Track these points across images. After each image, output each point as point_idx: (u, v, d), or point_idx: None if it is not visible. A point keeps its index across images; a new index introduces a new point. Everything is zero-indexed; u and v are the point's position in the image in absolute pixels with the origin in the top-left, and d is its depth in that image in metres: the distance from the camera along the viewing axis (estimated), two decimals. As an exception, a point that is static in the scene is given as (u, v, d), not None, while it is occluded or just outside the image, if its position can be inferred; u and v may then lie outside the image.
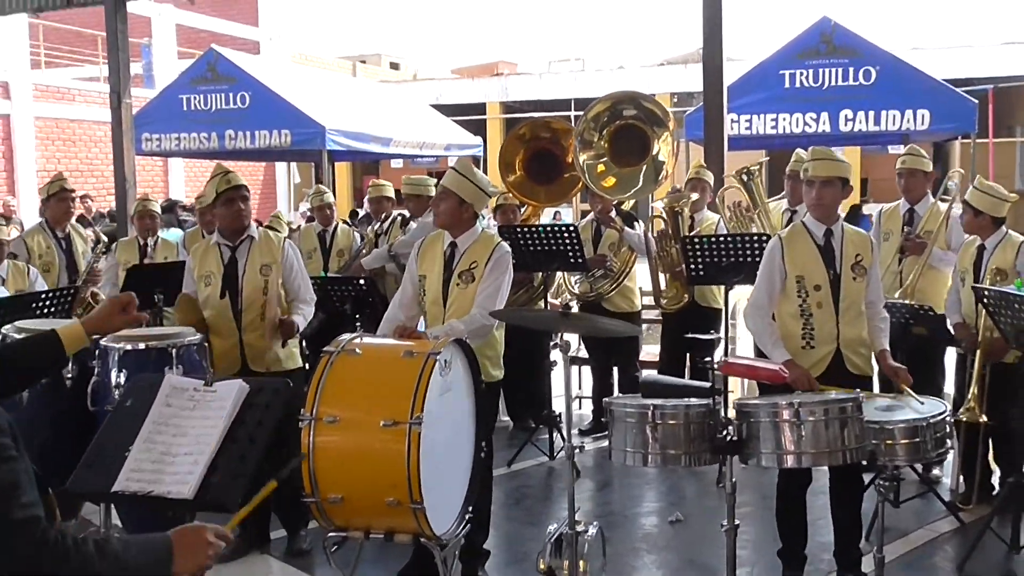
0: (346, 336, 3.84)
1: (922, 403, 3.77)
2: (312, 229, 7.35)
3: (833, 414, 3.21)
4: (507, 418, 7.22)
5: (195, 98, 12.16)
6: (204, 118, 12.10)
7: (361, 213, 11.78)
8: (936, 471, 5.66)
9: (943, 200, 5.68)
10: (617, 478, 6.06)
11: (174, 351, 4.01)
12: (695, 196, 6.28)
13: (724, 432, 3.27)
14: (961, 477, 5.33)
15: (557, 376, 7.04)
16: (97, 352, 4.13)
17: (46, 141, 18.16)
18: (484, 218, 13.16)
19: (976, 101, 10.33)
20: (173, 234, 8.50)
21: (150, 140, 12.48)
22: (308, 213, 14.69)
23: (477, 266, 4.17)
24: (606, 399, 3.68)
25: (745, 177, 6.21)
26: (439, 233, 4.34)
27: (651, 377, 3.80)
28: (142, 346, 4.10)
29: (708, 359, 3.49)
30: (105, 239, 6.81)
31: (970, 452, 5.06)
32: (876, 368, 4.28)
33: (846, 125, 10.36)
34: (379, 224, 7.14)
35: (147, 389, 2.67)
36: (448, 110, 19.15)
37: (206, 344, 4.29)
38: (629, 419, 3.35)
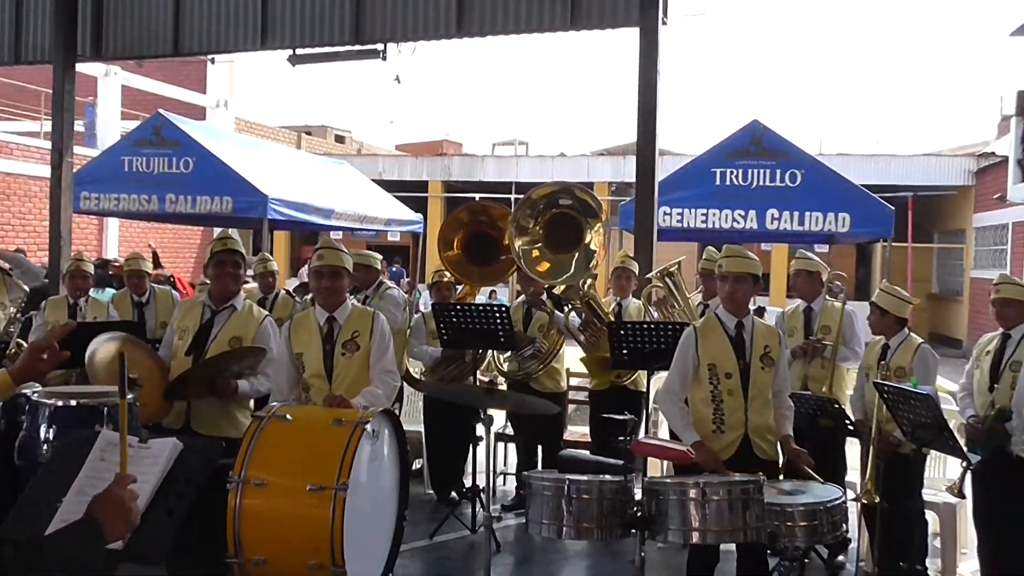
0: (276, 403, 3.99)
1: (823, 484, 4.01)
2: (253, 295, 7.43)
3: (736, 495, 3.43)
4: (431, 491, 7.30)
5: (138, 160, 12.20)
6: (146, 180, 12.12)
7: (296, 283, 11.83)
8: (841, 557, 5.89)
9: (832, 299, 6.08)
10: (537, 553, 6.17)
11: (105, 409, 4.06)
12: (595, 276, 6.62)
13: (635, 508, 3.45)
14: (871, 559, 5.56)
15: (482, 452, 7.17)
16: (27, 407, 4.17)
17: (-20, 194, 17.95)
18: (419, 294, 13.30)
19: (893, 208, 10.92)
20: (105, 294, 8.49)
21: (88, 199, 12.42)
22: (244, 279, 14.73)
23: (360, 335, 4.45)
24: (526, 472, 3.85)
25: (668, 278, 6.55)
26: (305, 313, 4.65)
27: (569, 453, 3.99)
28: (73, 403, 4.15)
29: (621, 438, 3.70)
30: (24, 294, 6.82)
31: (872, 534, 5.31)
32: (782, 455, 4.53)
33: (772, 223, 10.83)
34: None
35: (80, 444, 2.76)
36: (390, 186, 19.45)
37: (137, 404, 4.34)
38: (546, 492, 3.52)
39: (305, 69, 10.14)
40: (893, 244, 12.48)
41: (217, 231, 23.07)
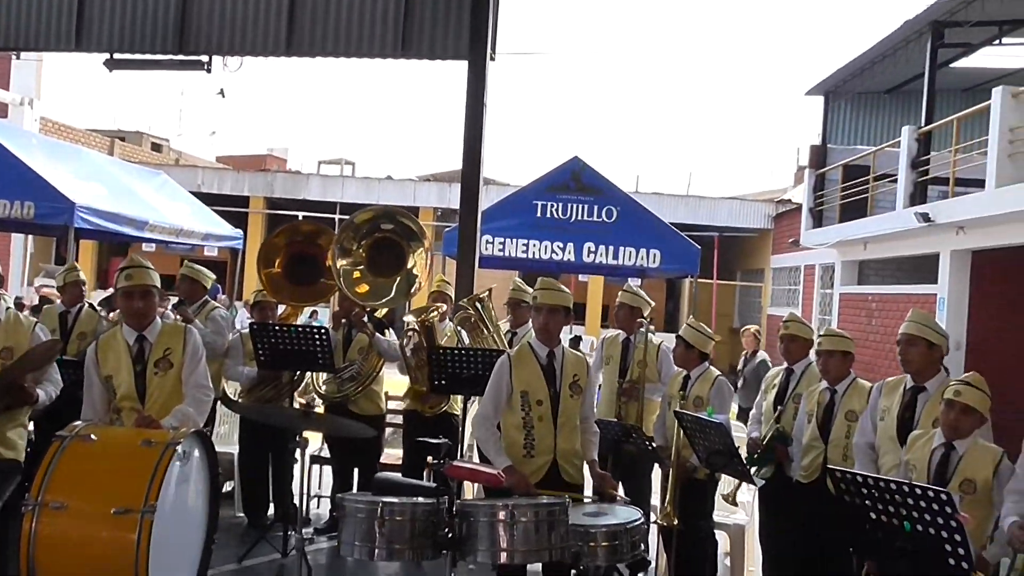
0: (80, 422, 3.85)
1: (626, 509, 4.26)
2: (55, 309, 7.04)
3: (543, 516, 3.60)
4: (241, 514, 7.14)
5: (-74, 157, 11.28)
6: (-64, 179, 11.23)
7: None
8: (640, 575, 6.20)
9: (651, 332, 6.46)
10: (348, 578, 6.16)
11: None
12: (443, 307, 6.72)
13: (446, 530, 3.56)
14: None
15: (297, 474, 7.11)
16: None
17: None
18: (235, 311, 12.95)
19: (700, 247, 11.63)
20: None
21: None
22: (44, 289, 13.76)
23: (172, 352, 4.40)
24: (339, 495, 3.88)
25: (478, 304, 6.76)
26: (111, 332, 4.56)
27: (384, 476, 4.04)
28: None
29: (436, 461, 3.80)
30: None
31: (669, 554, 5.64)
32: (587, 477, 4.77)
33: (588, 256, 11.32)
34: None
35: None
36: (210, 199, 18.85)
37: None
38: (359, 514, 3.57)
39: (123, 73, 9.75)
40: (700, 280, 13.28)
41: (16, 237, 21.67)
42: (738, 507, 5.64)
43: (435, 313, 6.49)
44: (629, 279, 16.96)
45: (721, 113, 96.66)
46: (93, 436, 3.66)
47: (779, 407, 5.51)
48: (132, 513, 3.39)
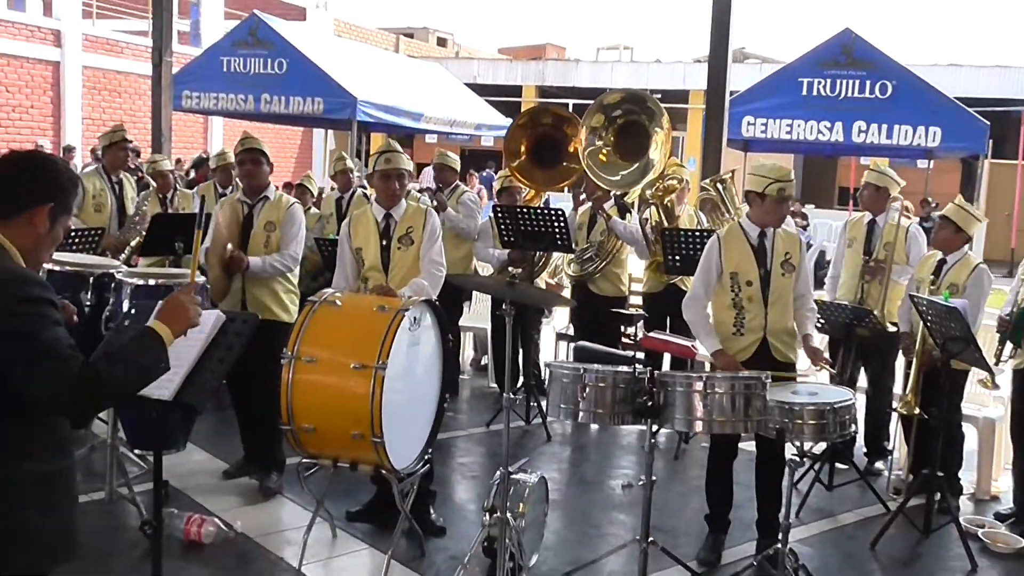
0: (329, 290, 4.39)
1: (837, 390, 4.21)
2: (332, 196, 7.87)
3: (739, 389, 3.66)
4: (493, 385, 7.76)
5: (235, 60, 12.71)
6: (242, 80, 12.66)
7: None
8: (879, 464, 6.06)
9: (905, 216, 6.09)
10: (591, 447, 6.55)
11: (177, 287, 4.51)
12: (682, 176, 6.75)
13: (645, 398, 3.73)
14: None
15: (547, 348, 7.61)
16: (113, 285, 4.68)
17: (92, 91, 18.85)
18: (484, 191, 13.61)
19: (987, 123, 10.55)
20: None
21: (190, 97, 13.07)
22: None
23: (414, 230, 4.80)
24: (547, 361, 4.15)
25: (720, 185, 6.66)
26: (363, 210, 4.99)
27: (583, 345, 4.25)
28: (152, 282, 4.66)
29: (630, 333, 3.94)
30: (153, 184, 7.42)
31: (909, 444, 5.47)
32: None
33: (859, 136, 10.63)
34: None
35: (145, 312, 3.17)
36: (484, 90, 19.59)
37: (208, 286, 4.82)
38: (564, 379, 3.82)
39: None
40: (1002, 162, 12.05)
41: (318, 133, 23.75)
42: (998, 387, 5.33)
43: (673, 182, 6.51)
44: (918, 162, 15.70)
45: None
46: (338, 302, 4.16)
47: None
48: (368, 368, 3.86)
